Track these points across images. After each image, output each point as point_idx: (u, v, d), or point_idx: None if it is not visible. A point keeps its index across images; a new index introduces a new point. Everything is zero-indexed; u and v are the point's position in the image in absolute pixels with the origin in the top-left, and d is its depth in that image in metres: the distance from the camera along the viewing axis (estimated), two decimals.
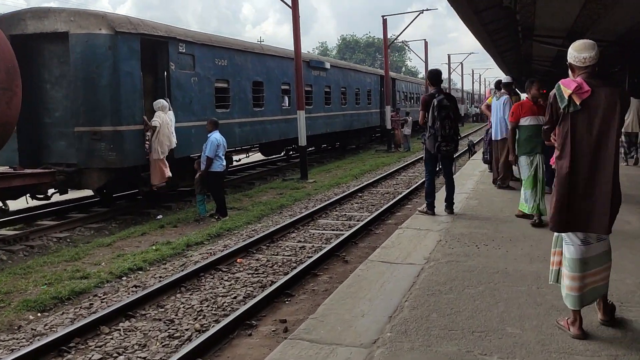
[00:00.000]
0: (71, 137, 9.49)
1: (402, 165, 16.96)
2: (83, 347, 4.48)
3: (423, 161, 7.12)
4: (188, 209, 10.99)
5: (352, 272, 5.86)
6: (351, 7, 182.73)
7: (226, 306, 5.30)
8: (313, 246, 7.52)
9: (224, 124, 12.17)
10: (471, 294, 4.07)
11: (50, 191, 9.66)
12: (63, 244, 8.54)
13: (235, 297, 5.53)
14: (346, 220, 9.28)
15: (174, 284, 5.83)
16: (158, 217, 10.35)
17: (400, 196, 10.85)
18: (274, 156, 18.92)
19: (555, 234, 3.49)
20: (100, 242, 8.35)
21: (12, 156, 9.47)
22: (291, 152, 18.77)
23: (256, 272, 6.39)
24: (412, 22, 34.47)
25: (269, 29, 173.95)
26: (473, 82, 71.87)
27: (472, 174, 10.73)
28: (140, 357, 4.27)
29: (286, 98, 15.84)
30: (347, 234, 7.71)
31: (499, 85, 9.40)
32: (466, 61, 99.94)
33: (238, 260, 6.91)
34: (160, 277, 6.32)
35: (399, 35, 30.19)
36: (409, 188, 12.05)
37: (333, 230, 8.56)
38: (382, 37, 25.45)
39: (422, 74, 59.17)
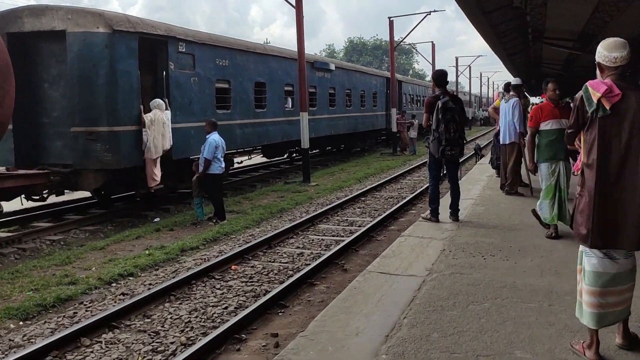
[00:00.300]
0: (68, 138, 9.27)
1: (407, 168, 16.63)
2: None
3: (427, 165, 6.80)
4: (187, 211, 10.73)
5: (351, 281, 5.58)
6: (359, 10, 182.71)
7: (216, 317, 5.02)
8: (312, 253, 7.22)
9: (224, 125, 11.93)
10: (476, 311, 3.75)
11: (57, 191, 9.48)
12: (56, 247, 8.30)
13: (226, 308, 5.24)
14: (347, 225, 8.98)
15: (163, 292, 5.55)
16: (155, 219, 10.11)
17: (404, 201, 10.53)
18: (277, 158, 18.65)
19: (580, 249, 3.18)
20: (93, 245, 8.10)
21: (9, 156, 9.27)
22: (294, 155, 18.49)
23: (250, 280, 6.10)
24: (419, 23, 34.08)
25: (276, 31, 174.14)
26: (481, 85, 71.34)
27: (479, 179, 10.39)
28: None
29: (289, 99, 15.57)
30: (347, 240, 7.41)
31: (507, 87, 9.08)
32: (474, 64, 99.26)
33: (232, 267, 6.63)
34: (150, 284, 6.05)
35: (405, 37, 29.77)
36: (413, 192, 11.72)
37: (333, 236, 8.26)
38: (389, 39, 25.14)
39: (429, 76, 58.72)
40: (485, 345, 3.21)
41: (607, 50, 2.98)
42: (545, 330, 3.41)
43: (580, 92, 3.05)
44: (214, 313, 5.10)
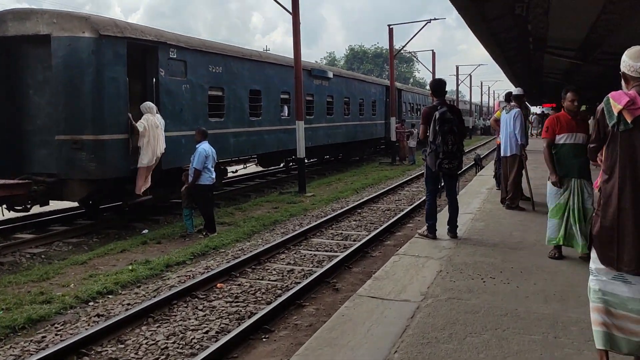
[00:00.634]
0: (52, 146, 8.93)
1: (405, 179, 16.28)
2: None
3: (424, 179, 6.46)
4: (177, 222, 10.38)
5: (342, 302, 5.22)
6: (360, 18, 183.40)
7: (195, 343, 4.65)
8: (302, 270, 6.86)
9: (217, 133, 11.62)
10: (474, 345, 3.40)
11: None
12: (37, 261, 7.94)
13: (207, 332, 4.87)
14: (342, 239, 8.62)
15: (141, 314, 5.19)
16: (144, 231, 9.75)
17: (401, 214, 10.17)
18: (273, 168, 18.31)
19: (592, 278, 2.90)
20: (75, 259, 7.74)
21: None
22: (291, 164, 18.16)
23: (235, 301, 5.73)
24: (419, 31, 33.98)
25: (278, 39, 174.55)
26: (482, 94, 71.14)
27: (478, 192, 10.05)
28: None
29: (285, 107, 15.26)
30: (340, 257, 7.04)
31: (509, 97, 8.76)
32: (475, 73, 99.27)
33: (218, 285, 6.26)
34: (128, 304, 5.69)
35: (405, 45, 29.55)
36: (411, 205, 11.37)
37: (326, 251, 7.91)
38: (389, 47, 24.89)
39: (429, 84, 58.43)
40: None
41: (632, 60, 2.76)
42: None
43: (602, 104, 2.83)
44: (194, 338, 4.74)
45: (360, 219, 10.38)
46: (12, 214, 9.68)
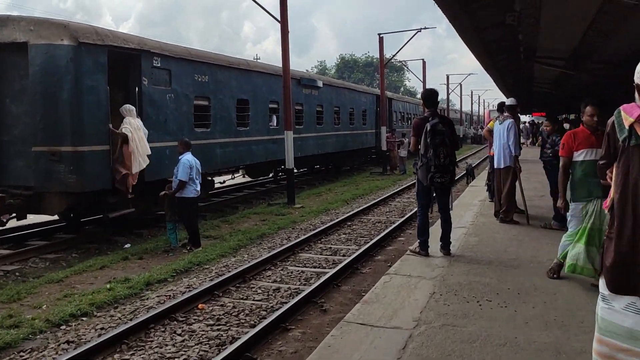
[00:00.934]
0: (29, 157, 8.57)
1: (397, 189, 16.03)
2: None
3: (415, 193, 6.20)
4: (161, 236, 10.01)
5: (330, 325, 4.94)
6: (352, 27, 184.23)
7: None
8: (289, 288, 6.55)
9: (203, 144, 11.32)
10: None
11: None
12: (10, 279, 7.54)
13: None
14: (331, 254, 8.32)
15: (114, 340, 4.85)
16: (126, 245, 9.39)
17: (392, 227, 9.89)
18: (262, 178, 17.99)
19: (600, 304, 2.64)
20: (51, 277, 7.36)
21: None
22: (280, 174, 17.84)
23: (217, 323, 5.40)
24: (409, 40, 34.04)
25: (269, 47, 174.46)
26: (472, 103, 71.43)
27: (471, 204, 9.81)
28: None
29: (274, 117, 14.97)
30: (328, 274, 6.73)
31: (501, 107, 8.55)
32: (465, 82, 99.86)
33: (199, 306, 5.93)
34: (102, 328, 5.33)
35: (395, 54, 29.59)
36: (402, 217, 11.10)
37: (315, 267, 7.60)
38: (379, 56, 24.76)
39: (420, 93, 58.61)
40: None
41: None
42: None
43: (612, 117, 2.59)
44: None
45: (350, 232, 10.09)
46: None
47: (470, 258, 5.89)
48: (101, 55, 8.62)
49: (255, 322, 5.42)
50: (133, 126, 8.88)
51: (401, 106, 30.36)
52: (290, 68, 13.68)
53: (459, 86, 52.95)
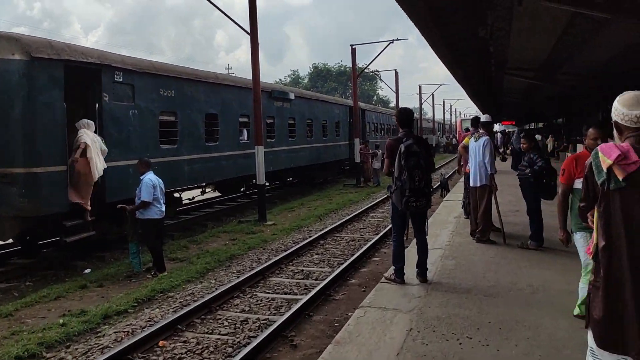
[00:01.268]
0: None
1: (370, 203, 15.77)
2: None
3: (389, 217, 5.90)
4: (124, 259, 9.48)
5: None
6: (324, 36, 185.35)
7: None
8: (258, 319, 6.15)
9: (170, 161, 10.87)
10: None
11: None
12: None
13: None
14: (302, 278, 7.96)
15: None
16: (85, 271, 8.86)
17: (366, 246, 9.60)
18: (234, 194, 17.52)
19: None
20: None
21: None
22: (251, 188, 17.40)
23: None
24: (381, 52, 34.43)
25: (242, 56, 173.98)
26: (444, 112, 72.29)
27: (446, 221, 9.59)
28: None
29: (245, 131, 14.59)
30: (300, 302, 6.37)
31: (475, 122, 8.35)
32: (437, 92, 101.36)
33: (160, 343, 5.49)
34: None
35: (368, 65, 29.55)
36: (377, 234, 10.83)
37: (285, 293, 7.22)
38: (352, 67, 24.63)
39: (393, 102, 59.10)
40: None
41: (626, 108, 2.34)
42: None
43: (589, 159, 2.42)
44: None
45: (323, 251, 9.75)
46: None
47: (448, 286, 5.61)
48: (57, 70, 8.11)
49: None
50: (90, 137, 8.43)
51: (374, 117, 30.31)
52: (262, 80, 13.34)
53: (431, 96, 53.50)
